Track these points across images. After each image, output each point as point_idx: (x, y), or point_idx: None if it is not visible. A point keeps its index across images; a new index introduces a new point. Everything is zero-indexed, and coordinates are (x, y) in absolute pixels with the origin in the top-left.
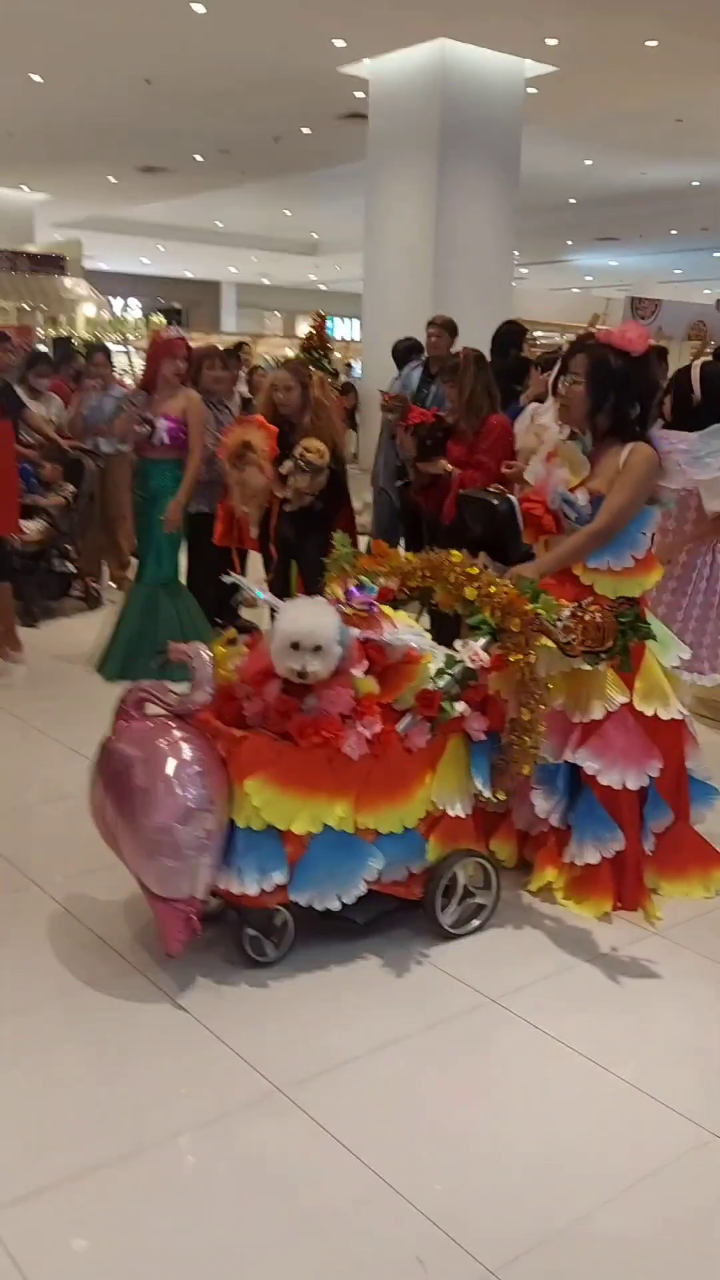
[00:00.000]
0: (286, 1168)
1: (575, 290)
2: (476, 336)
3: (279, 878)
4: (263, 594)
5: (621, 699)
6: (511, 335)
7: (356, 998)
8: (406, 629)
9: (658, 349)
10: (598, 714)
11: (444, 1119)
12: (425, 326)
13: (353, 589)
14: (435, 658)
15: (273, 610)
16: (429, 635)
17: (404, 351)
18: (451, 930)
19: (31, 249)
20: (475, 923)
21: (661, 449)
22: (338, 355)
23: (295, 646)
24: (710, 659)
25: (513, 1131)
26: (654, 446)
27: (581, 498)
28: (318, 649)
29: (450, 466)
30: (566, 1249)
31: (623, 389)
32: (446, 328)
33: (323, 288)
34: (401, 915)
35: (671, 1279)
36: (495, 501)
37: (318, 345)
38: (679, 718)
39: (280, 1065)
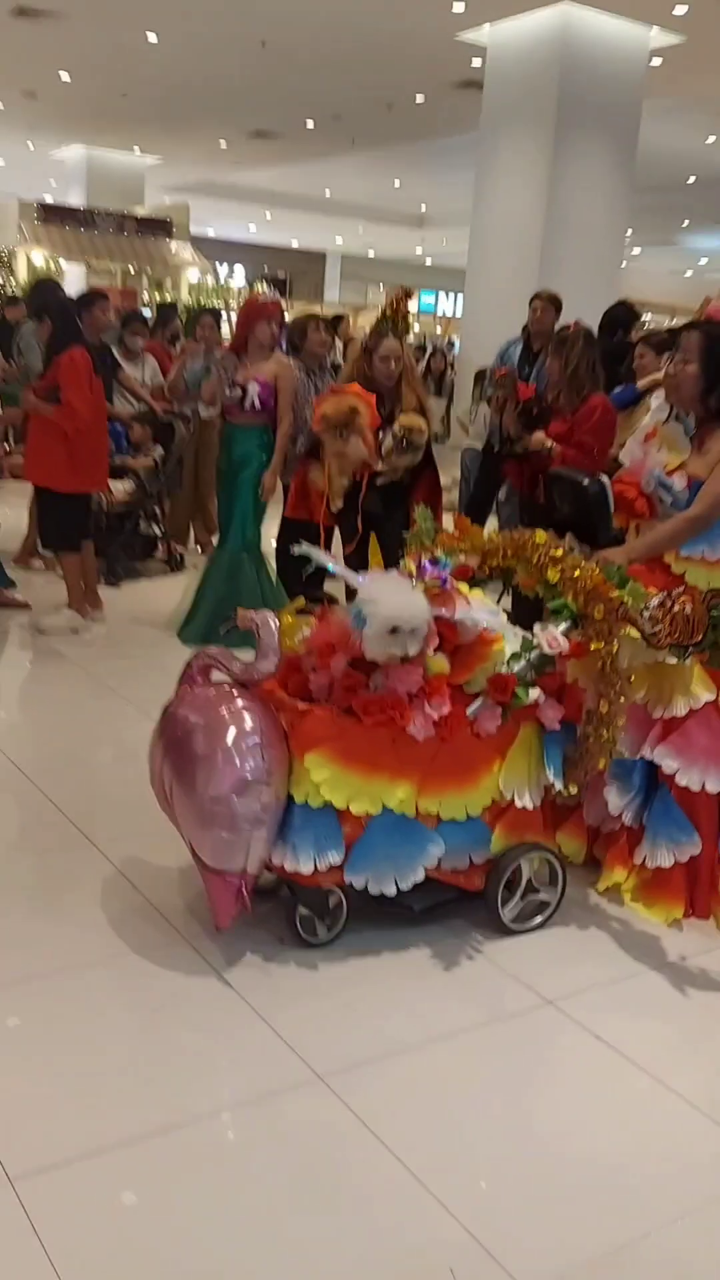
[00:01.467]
0: (318, 1156)
1: (689, 273)
2: (583, 317)
3: (335, 857)
4: (334, 567)
5: (708, 696)
6: (622, 316)
7: (407, 987)
8: (481, 607)
9: None
10: (680, 710)
11: (488, 1123)
12: (529, 301)
13: (426, 563)
14: (511, 640)
15: (347, 584)
16: (505, 617)
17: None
18: (512, 926)
19: (140, 212)
20: (538, 919)
21: None
22: (417, 329)
23: (394, 631)
24: None
25: (562, 1143)
26: None
27: (679, 482)
28: (413, 631)
29: (551, 442)
30: (612, 1273)
31: None
32: (552, 302)
33: (428, 261)
34: (460, 906)
35: None
36: (585, 481)
37: (398, 316)
38: None
39: (322, 1051)
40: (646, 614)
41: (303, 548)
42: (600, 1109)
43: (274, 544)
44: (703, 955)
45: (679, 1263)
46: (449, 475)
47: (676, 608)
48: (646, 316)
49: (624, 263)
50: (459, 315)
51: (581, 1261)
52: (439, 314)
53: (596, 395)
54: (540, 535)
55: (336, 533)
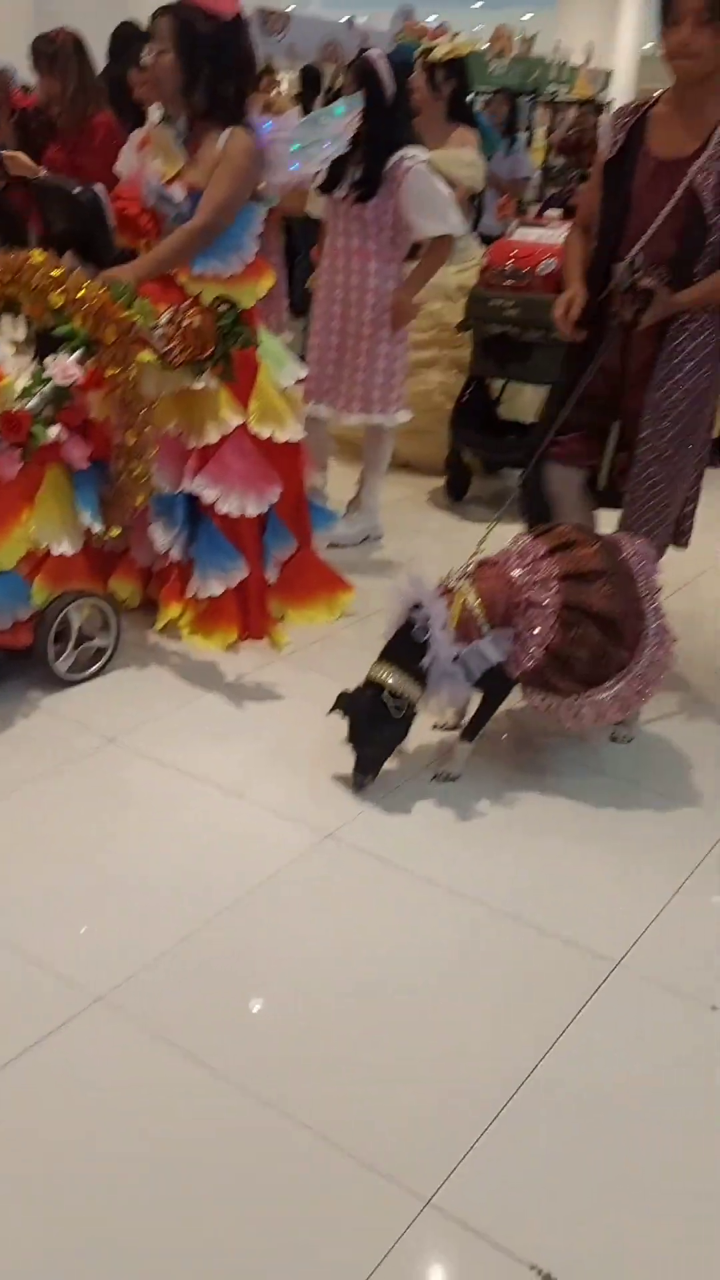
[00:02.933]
0: None
1: None
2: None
3: None
4: None
5: (237, 420)
6: (131, 36)
7: None
8: None
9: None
10: (213, 438)
11: (55, 860)
12: None
13: None
14: (20, 375)
15: None
16: (13, 348)
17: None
18: (69, 677)
19: None
20: (95, 667)
21: (263, 137)
22: None
23: None
24: (361, 399)
25: (125, 864)
26: (254, 134)
27: (178, 192)
28: None
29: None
30: (177, 961)
31: (216, 59)
32: None
33: None
34: (13, 666)
35: (278, 981)
36: (76, 190)
37: None
38: (296, 439)
39: None
40: (158, 332)
41: None
42: (173, 826)
43: None
44: (258, 671)
45: (239, 939)
46: None
47: (186, 322)
48: None
49: None
50: None
51: (151, 960)
52: None
53: (102, 114)
54: (37, 255)
55: None
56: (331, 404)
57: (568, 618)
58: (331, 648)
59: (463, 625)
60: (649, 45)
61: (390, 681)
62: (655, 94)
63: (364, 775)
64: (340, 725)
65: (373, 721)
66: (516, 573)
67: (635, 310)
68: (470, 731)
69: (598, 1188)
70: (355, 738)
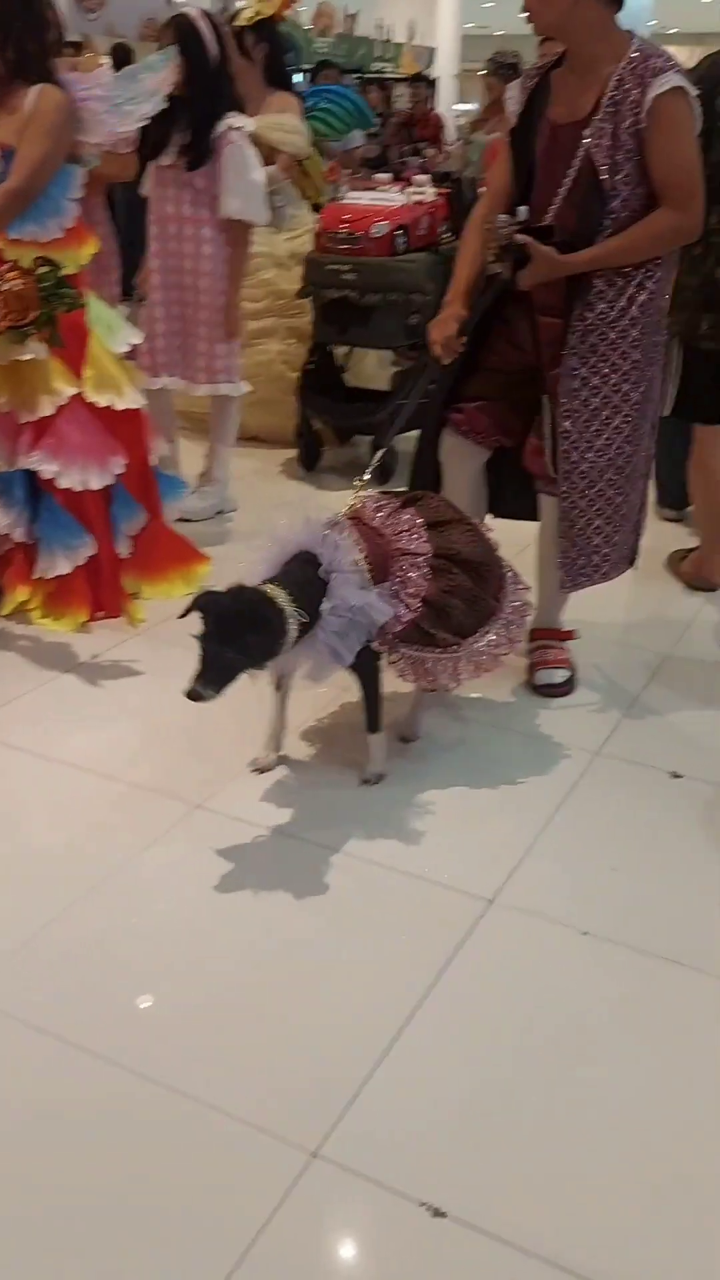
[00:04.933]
0: None
1: None
2: None
3: None
4: None
5: (71, 390)
6: None
7: None
8: None
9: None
10: (47, 410)
11: None
12: None
13: None
14: None
15: None
16: None
17: None
18: None
19: None
20: None
21: (75, 94)
22: None
23: None
24: (206, 370)
25: None
26: (65, 91)
27: None
28: None
29: None
30: (33, 952)
31: (22, 16)
32: None
33: None
34: None
35: (152, 956)
36: None
37: None
38: (136, 407)
39: None
40: None
41: None
42: (35, 810)
43: None
44: (115, 649)
45: (109, 918)
46: None
47: (6, 287)
48: None
49: None
50: None
51: (18, 944)
52: None
53: None
54: None
55: None
56: (180, 376)
57: (438, 565)
58: (190, 622)
59: None
60: (470, 25)
61: (281, 595)
62: (559, 52)
63: (208, 687)
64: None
65: (244, 621)
66: (383, 526)
67: (512, 268)
68: (372, 722)
69: (483, 1120)
70: (213, 635)
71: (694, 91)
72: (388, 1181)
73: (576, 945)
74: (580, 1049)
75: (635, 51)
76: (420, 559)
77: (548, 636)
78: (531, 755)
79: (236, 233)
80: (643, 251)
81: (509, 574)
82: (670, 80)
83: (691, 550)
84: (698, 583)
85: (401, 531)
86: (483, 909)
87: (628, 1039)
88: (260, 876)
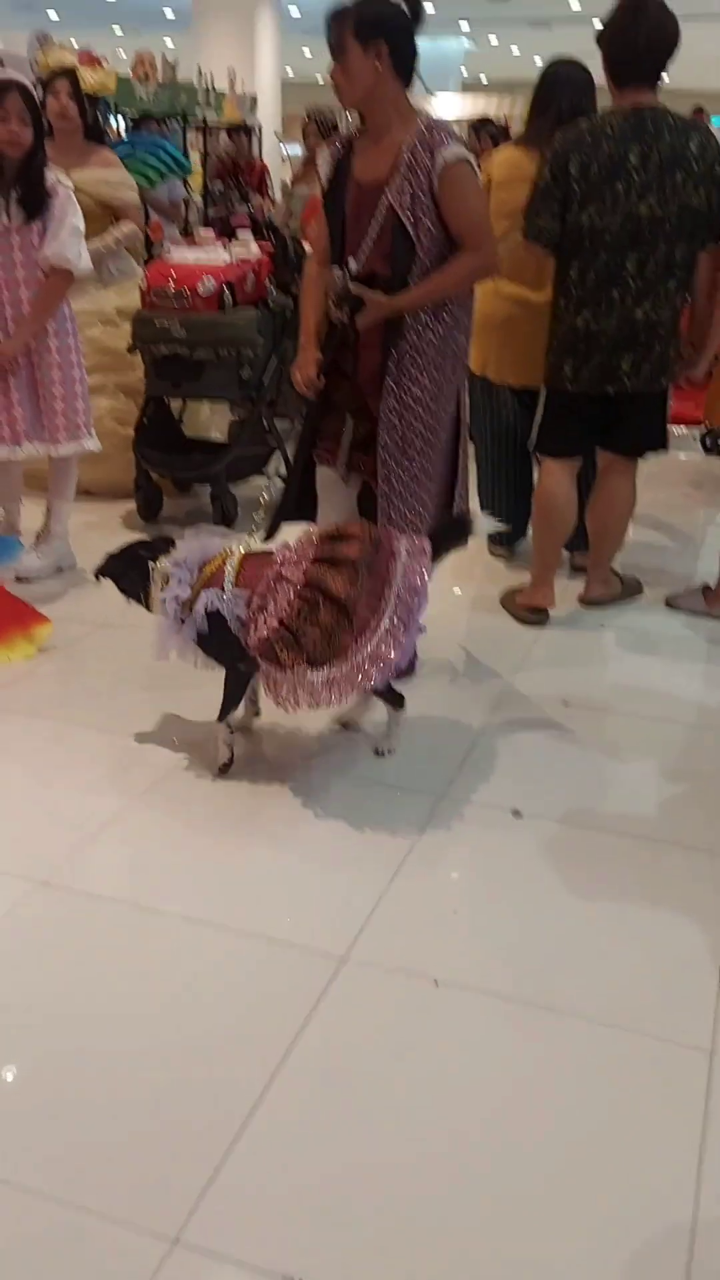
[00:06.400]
0: None
1: None
2: None
3: None
4: None
5: None
6: None
7: None
8: None
9: None
10: None
11: None
12: None
13: None
14: None
15: None
16: None
17: None
18: None
19: None
20: None
21: None
22: None
23: None
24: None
25: None
26: None
27: None
28: None
29: None
30: None
31: None
32: None
33: None
34: None
35: None
36: None
37: None
38: None
39: None
40: None
41: None
42: None
43: None
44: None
45: None
46: None
47: None
48: None
49: None
50: None
51: None
52: None
53: None
54: None
55: None
56: (40, 441)
57: (307, 595)
58: (33, 685)
59: (213, 579)
60: (290, 73)
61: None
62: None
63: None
64: (41, 769)
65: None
66: (283, 554)
67: (350, 313)
68: (221, 713)
69: (345, 1182)
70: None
71: (472, 159)
72: (251, 1259)
73: (430, 997)
74: (441, 1105)
75: (424, 123)
76: (288, 586)
77: None
78: (379, 802)
79: (54, 282)
80: (455, 288)
81: (386, 625)
82: (455, 152)
83: (521, 589)
84: (530, 616)
85: (291, 561)
86: (335, 967)
87: (490, 1091)
88: (106, 951)
